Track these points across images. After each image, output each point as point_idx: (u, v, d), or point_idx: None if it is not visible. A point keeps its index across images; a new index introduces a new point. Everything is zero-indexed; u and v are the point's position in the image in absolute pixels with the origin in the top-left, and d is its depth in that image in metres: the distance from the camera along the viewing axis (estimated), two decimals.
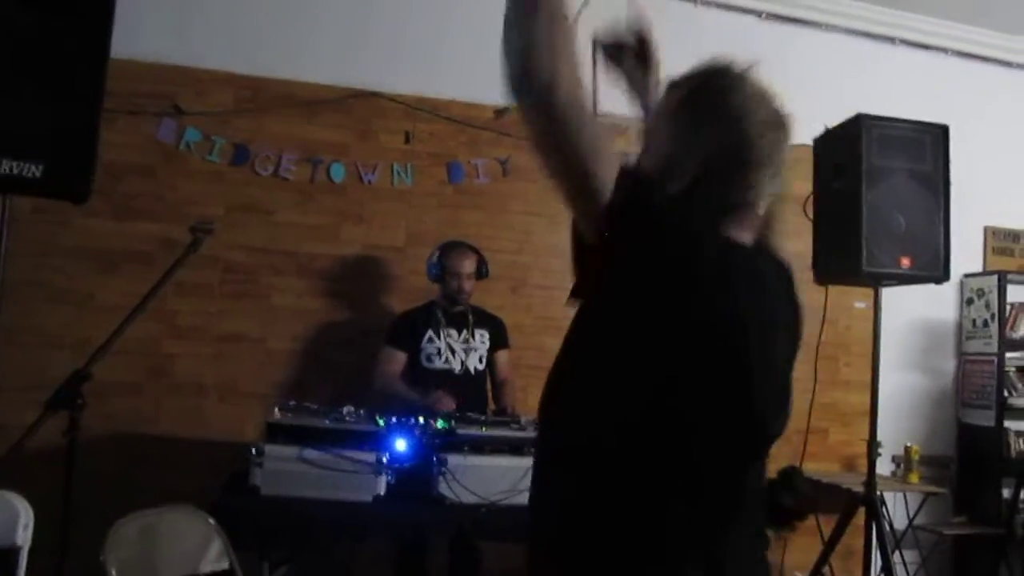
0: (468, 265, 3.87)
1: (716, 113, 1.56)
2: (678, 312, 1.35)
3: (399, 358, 3.89)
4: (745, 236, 1.50)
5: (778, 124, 1.63)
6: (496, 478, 2.94)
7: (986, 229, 5.41)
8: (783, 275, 1.64)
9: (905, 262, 3.96)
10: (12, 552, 2.57)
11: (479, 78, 4.54)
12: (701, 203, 1.44)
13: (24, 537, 2.60)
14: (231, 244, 4.18)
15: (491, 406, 3.96)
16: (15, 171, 2.78)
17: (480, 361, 3.92)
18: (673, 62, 5.05)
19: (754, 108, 1.59)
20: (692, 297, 1.36)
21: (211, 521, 2.79)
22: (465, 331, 3.90)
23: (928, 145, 4.06)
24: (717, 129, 1.53)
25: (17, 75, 2.81)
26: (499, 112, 4.58)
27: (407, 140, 4.46)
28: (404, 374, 3.87)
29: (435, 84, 4.50)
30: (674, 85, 1.70)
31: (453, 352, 3.88)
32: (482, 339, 3.93)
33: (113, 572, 2.44)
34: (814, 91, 4.86)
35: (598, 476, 1.40)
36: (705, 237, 1.41)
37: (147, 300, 2.28)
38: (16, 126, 2.80)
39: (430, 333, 3.89)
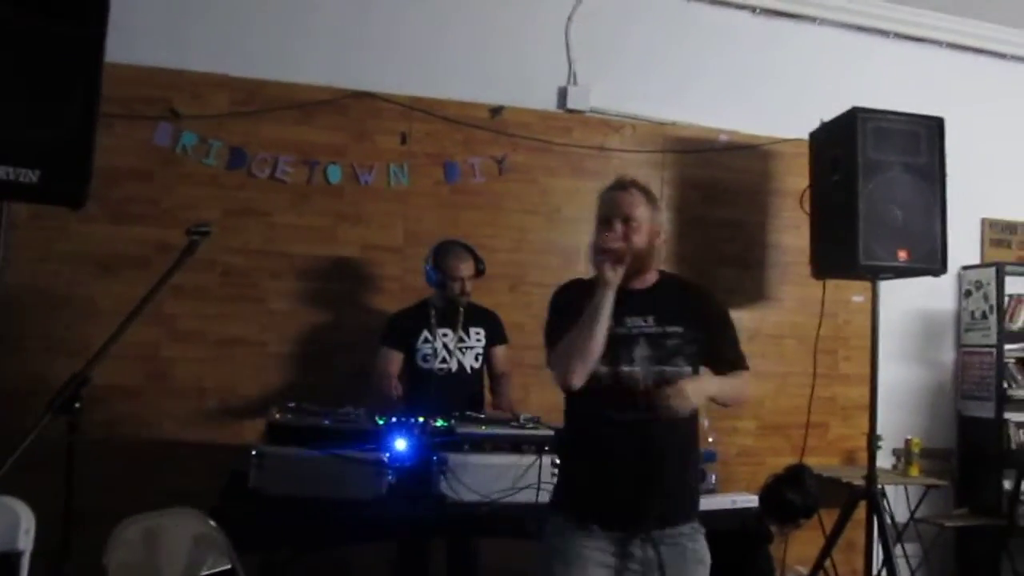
0: (466, 268, 3.84)
1: None
2: None
3: (395, 358, 3.88)
4: None
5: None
6: (496, 476, 2.94)
7: (983, 221, 5.42)
8: None
9: (902, 255, 3.98)
10: (14, 556, 2.58)
11: (474, 77, 4.59)
12: None
13: (26, 541, 2.60)
14: (229, 247, 4.18)
15: (489, 401, 3.96)
16: (12, 177, 2.80)
17: (476, 359, 3.91)
18: (669, 59, 5.10)
19: None
20: None
21: (212, 523, 2.78)
22: (460, 329, 3.89)
23: (924, 138, 4.08)
24: None
25: (13, 81, 2.82)
26: (494, 111, 4.59)
27: (403, 141, 4.46)
28: (401, 374, 3.86)
29: (430, 84, 4.50)
30: None
31: (449, 351, 3.87)
32: (477, 336, 3.93)
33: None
34: (809, 86, 4.92)
35: None
36: None
37: (145, 303, 2.27)
38: (12, 132, 2.81)
39: (425, 333, 3.88)
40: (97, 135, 3.01)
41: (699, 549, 2.43)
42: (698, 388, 2.34)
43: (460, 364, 3.89)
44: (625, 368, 2.35)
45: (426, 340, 3.87)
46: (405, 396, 3.71)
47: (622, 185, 2.49)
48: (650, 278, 2.49)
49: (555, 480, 2.69)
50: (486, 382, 4.01)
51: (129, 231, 4.10)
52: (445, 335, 3.89)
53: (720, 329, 2.50)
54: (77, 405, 2.09)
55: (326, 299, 4.35)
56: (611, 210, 2.43)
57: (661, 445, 2.36)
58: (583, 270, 4.05)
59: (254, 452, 2.96)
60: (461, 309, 3.89)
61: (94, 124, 2.99)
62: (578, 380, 2.28)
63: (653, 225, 2.46)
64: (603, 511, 2.35)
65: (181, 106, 4.19)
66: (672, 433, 2.38)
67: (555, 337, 2.37)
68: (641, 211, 2.43)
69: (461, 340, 3.89)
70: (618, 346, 2.34)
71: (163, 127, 4.17)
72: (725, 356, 2.48)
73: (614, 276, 2.30)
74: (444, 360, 3.86)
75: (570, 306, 2.38)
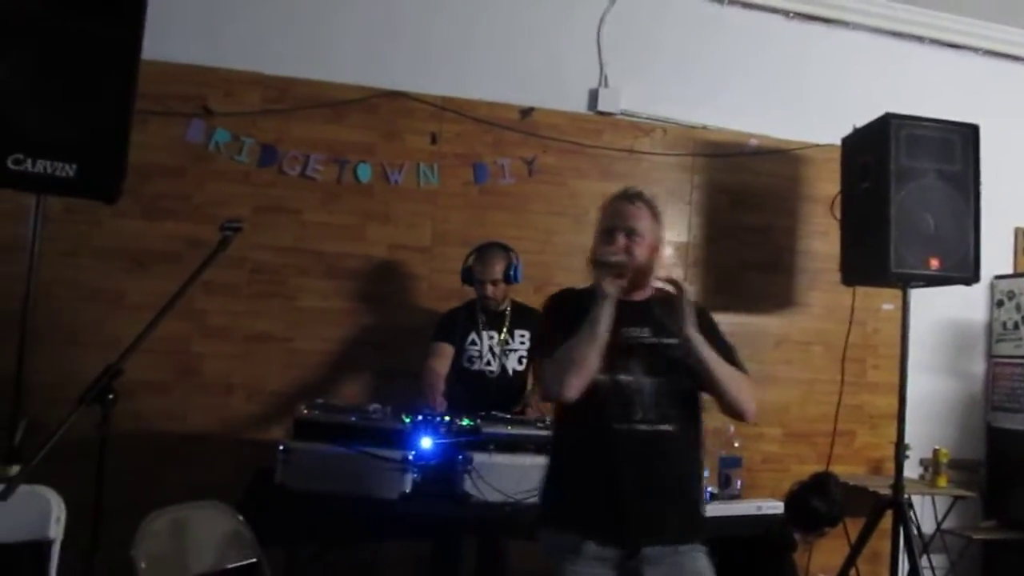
0: (492, 272, 3.83)
1: None
2: None
3: (446, 351, 3.84)
4: None
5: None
6: (521, 476, 2.95)
7: (1017, 230, 5.34)
8: None
9: (934, 263, 3.93)
10: (45, 544, 2.61)
11: (505, 78, 4.59)
12: None
13: (56, 530, 2.63)
14: (259, 244, 4.21)
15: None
16: (48, 171, 2.85)
17: (519, 362, 3.90)
18: (701, 62, 5.08)
19: None
20: None
21: (238, 517, 2.81)
22: (505, 332, 3.90)
23: (958, 145, 4.03)
24: None
25: (50, 77, 2.88)
26: (525, 112, 4.59)
27: (433, 141, 4.48)
28: (449, 373, 3.83)
29: (461, 84, 4.51)
30: None
31: (494, 354, 3.88)
32: (521, 339, 3.91)
33: (143, 566, 2.46)
34: (842, 91, 4.88)
35: None
36: None
37: (179, 296, 2.30)
38: (49, 127, 2.86)
39: (472, 335, 3.88)
40: (132, 131, 3.06)
41: (699, 567, 2.35)
42: (699, 339, 2.32)
43: (503, 367, 3.88)
44: (624, 377, 2.33)
45: (473, 342, 3.88)
46: (447, 395, 3.69)
47: (628, 196, 2.48)
48: (647, 290, 2.45)
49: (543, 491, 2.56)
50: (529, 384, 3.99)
51: (161, 227, 4.14)
52: (491, 337, 3.90)
53: (716, 342, 2.42)
54: (111, 396, 2.12)
55: (354, 297, 4.37)
56: (616, 221, 2.43)
57: (661, 457, 2.33)
58: None
59: (281, 448, 2.99)
60: (508, 312, 3.91)
61: (129, 120, 3.04)
62: (574, 392, 2.24)
63: (655, 239, 2.45)
64: (600, 525, 2.29)
65: (214, 103, 4.23)
66: (673, 445, 2.35)
67: (549, 348, 2.33)
68: (645, 224, 2.43)
69: (506, 343, 3.90)
70: (616, 355, 2.31)
71: (196, 124, 4.21)
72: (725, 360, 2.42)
73: (614, 290, 2.29)
74: (488, 363, 3.87)
75: (565, 317, 2.34)
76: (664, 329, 2.38)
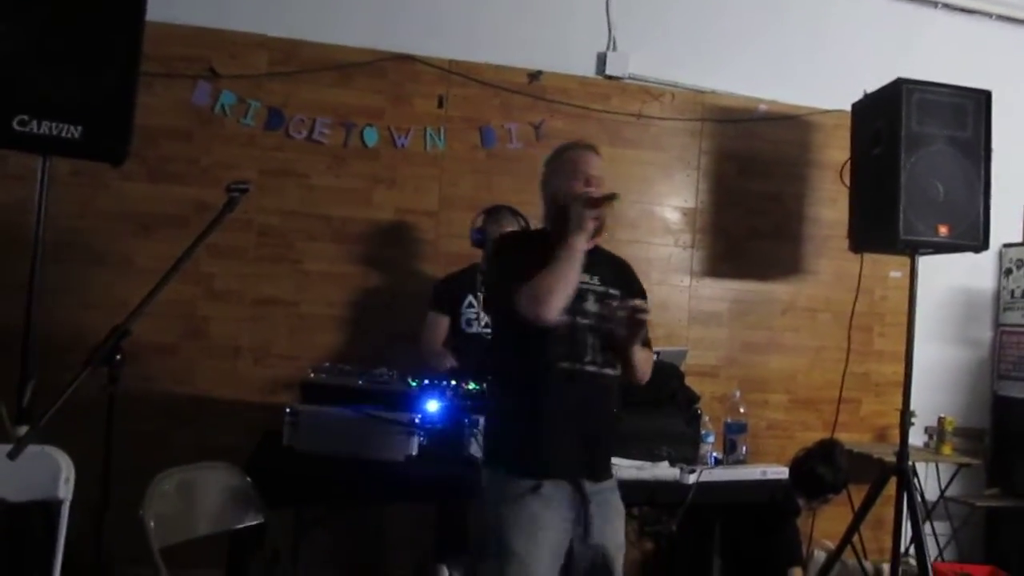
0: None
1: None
2: None
3: (441, 323, 3.92)
4: None
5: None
6: None
7: None
8: None
9: (943, 230, 3.91)
10: (55, 504, 2.63)
11: (513, 42, 4.55)
12: None
13: (66, 491, 2.65)
14: (265, 208, 4.21)
15: None
16: (54, 132, 2.84)
17: None
18: (710, 27, 5.00)
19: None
20: None
21: (246, 478, 2.83)
22: None
23: (969, 111, 3.99)
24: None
25: (55, 38, 2.86)
26: (533, 76, 4.56)
27: (440, 104, 4.45)
28: (448, 339, 3.91)
29: (469, 48, 4.47)
30: None
31: None
32: None
33: (152, 526, 2.49)
34: (853, 56, 4.82)
35: None
36: None
37: (186, 257, 2.30)
38: (55, 89, 2.84)
39: (469, 298, 3.91)
40: (138, 93, 3.05)
41: (619, 503, 2.53)
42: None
43: None
44: (580, 320, 2.43)
45: (470, 305, 3.90)
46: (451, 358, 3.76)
47: (590, 147, 2.60)
48: (592, 241, 2.51)
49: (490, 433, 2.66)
50: None
51: (168, 190, 4.14)
52: None
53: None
54: (118, 357, 2.13)
55: (361, 261, 4.37)
56: (585, 167, 2.52)
57: (603, 400, 2.49)
58: (621, 238, 4.06)
59: (288, 410, 3.00)
60: None
61: (135, 82, 3.02)
62: (555, 315, 2.32)
63: None
64: (557, 463, 2.39)
65: (220, 66, 4.20)
66: (610, 390, 2.51)
67: (517, 273, 2.36)
68: (602, 175, 2.54)
69: None
70: (573, 298, 2.39)
71: (202, 86, 4.18)
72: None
73: (591, 227, 2.40)
74: (487, 325, 3.88)
75: (525, 252, 2.44)
76: (607, 280, 2.52)
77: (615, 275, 2.59)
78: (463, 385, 3.27)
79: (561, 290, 2.31)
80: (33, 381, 2.89)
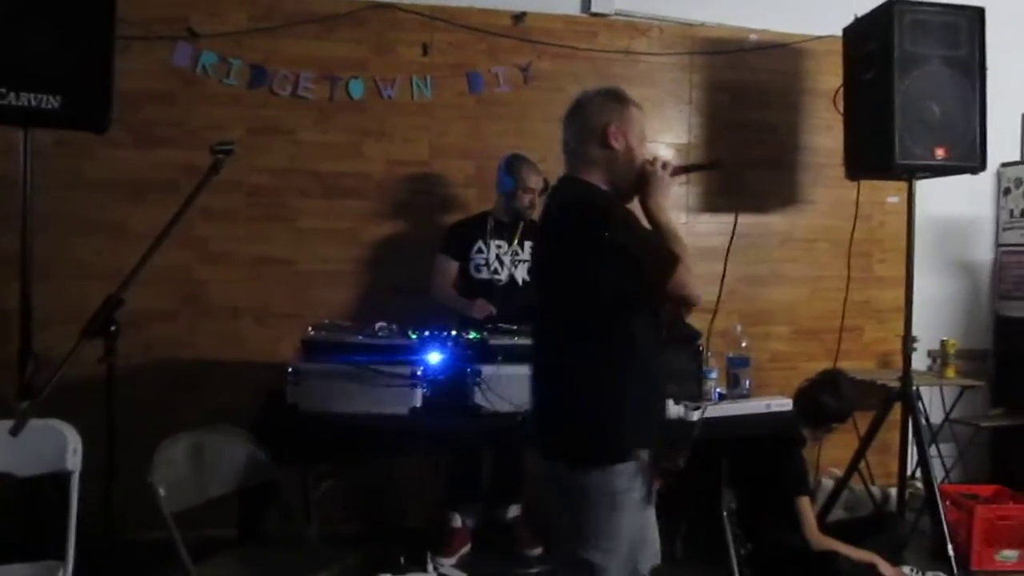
0: (537, 181, 3.87)
1: None
2: None
3: (451, 267, 3.98)
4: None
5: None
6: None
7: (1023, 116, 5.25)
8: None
9: (940, 152, 3.88)
10: (64, 476, 2.66)
11: None
12: None
13: (74, 462, 2.68)
14: (254, 167, 4.15)
15: None
16: (33, 103, 2.81)
17: (529, 273, 3.91)
18: None
19: None
20: None
21: (252, 439, 2.85)
22: (516, 243, 3.91)
23: (963, 30, 3.93)
24: None
25: (28, 9, 2.81)
26: (517, 18, 4.48)
27: (425, 52, 4.37)
28: (457, 283, 3.96)
29: None
30: None
31: (501, 263, 3.90)
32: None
33: (162, 491, 2.50)
34: None
35: None
36: None
37: (174, 223, 2.29)
38: (31, 59, 2.81)
39: (479, 243, 3.95)
40: (115, 58, 3.00)
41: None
42: None
43: (512, 276, 3.92)
44: None
45: (479, 250, 3.94)
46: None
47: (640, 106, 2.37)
48: None
49: (596, 416, 2.16)
50: None
51: (156, 154, 4.09)
52: (500, 246, 3.94)
53: None
54: (113, 328, 2.12)
55: (354, 216, 4.34)
56: (647, 131, 2.36)
57: None
58: None
59: (290, 369, 3.00)
60: (521, 223, 3.93)
61: (111, 47, 2.98)
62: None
63: None
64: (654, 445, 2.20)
65: (198, 25, 4.12)
66: None
67: (660, 245, 2.19)
68: None
69: (516, 253, 3.92)
70: None
71: (182, 47, 4.11)
72: None
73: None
74: (496, 271, 3.89)
75: (637, 219, 2.25)
76: None
77: None
78: (464, 334, 3.27)
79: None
80: (33, 356, 2.90)
